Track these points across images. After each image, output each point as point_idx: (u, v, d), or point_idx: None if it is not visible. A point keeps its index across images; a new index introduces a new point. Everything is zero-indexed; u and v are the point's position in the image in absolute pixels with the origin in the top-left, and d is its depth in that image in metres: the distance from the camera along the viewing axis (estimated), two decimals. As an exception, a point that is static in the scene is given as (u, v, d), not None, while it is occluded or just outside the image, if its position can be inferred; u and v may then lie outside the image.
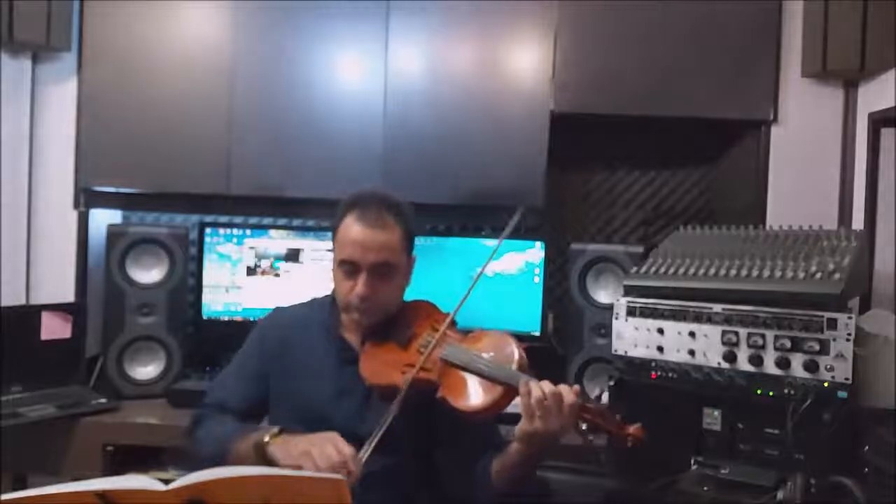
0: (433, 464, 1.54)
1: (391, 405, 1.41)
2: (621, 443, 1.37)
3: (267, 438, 1.40)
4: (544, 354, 2.28)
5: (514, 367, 1.41)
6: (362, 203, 1.55)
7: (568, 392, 1.34)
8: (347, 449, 1.32)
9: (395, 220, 1.54)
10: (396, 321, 1.58)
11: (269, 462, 1.38)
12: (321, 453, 1.31)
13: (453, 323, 1.56)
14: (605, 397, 1.68)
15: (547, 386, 1.33)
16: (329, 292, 1.66)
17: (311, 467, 1.29)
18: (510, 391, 1.37)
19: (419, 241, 2.36)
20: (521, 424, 1.35)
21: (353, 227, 1.52)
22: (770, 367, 1.46)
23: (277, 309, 1.74)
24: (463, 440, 1.49)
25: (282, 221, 2.59)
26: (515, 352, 1.44)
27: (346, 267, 1.52)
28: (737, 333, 1.50)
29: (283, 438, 1.40)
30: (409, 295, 1.66)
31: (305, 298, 1.74)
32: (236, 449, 1.45)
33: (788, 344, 1.44)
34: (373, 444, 1.37)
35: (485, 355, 1.45)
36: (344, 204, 1.58)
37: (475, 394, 1.40)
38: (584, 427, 1.37)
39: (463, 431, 1.47)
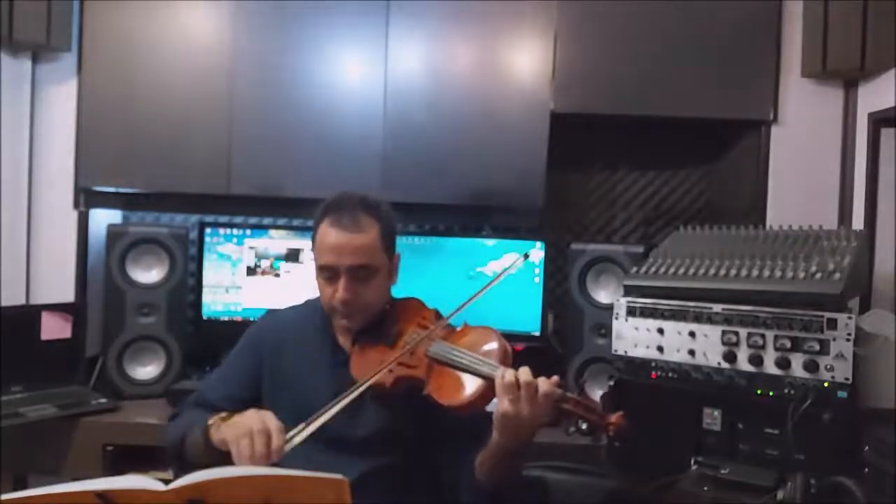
0: (428, 462, 1.54)
1: (349, 390, 1.40)
2: (604, 432, 1.37)
3: (212, 421, 1.40)
4: (544, 354, 2.28)
5: (498, 360, 1.41)
6: (337, 207, 1.54)
7: (544, 382, 1.33)
8: (272, 421, 1.31)
9: (371, 221, 1.52)
10: (385, 321, 1.59)
11: (211, 445, 1.38)
12: (243, 423, 1.30)
13: (441, 319, 1.56)
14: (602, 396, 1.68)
15: (523, 374, 1.32)
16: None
17: (232, 437, 1.28)
18: (492, 384, 1.37)
19: (419, 241, 2.39)
20: (496, 408, 1.34)
21: (328, 233, 1.50)
22: (770, 367, 1.46)
23: (270, 311, 1.74)
24: (458, 439, 1.49)
25: (282, 221, 2.59)
26: (498, 345, 1.45)
27: (326, 273, 1.51)
28: (737, 333, 1.50)
29: (222, 421, 1.39)
30: (407, 294, 1.67)
31: (299, 300, 1.74)
32: (192, 438, 1.45)
33: (788, 344, 1.44)
34: (308, 429, 1.34)
35: (469, 350, 1.45)
36: (319, 209, 1.56)
37: (458, 389, 1.40)
38: (565, 419, 1.37)
39: (457, 429, 1.47)
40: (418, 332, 1.53)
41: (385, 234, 1.55)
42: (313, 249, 1.56)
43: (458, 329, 1.54)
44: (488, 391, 1.38)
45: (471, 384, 1.40)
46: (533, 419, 1.32)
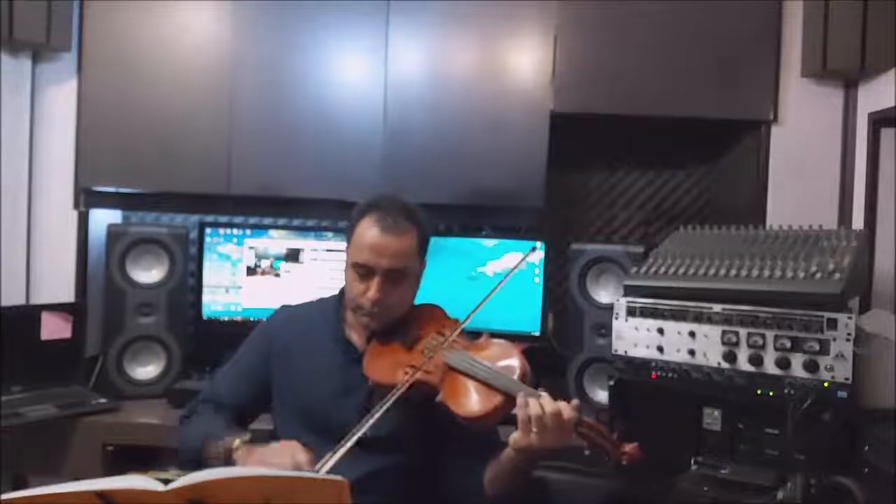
0: (433, 466, 1.54)
1: (382, 403, 1.41)
2: (617, 460, 1.37)
3: (235, 444, 1.43)
4: (544, 354, 2.28)
5: (517, 376, 1.41)
6: (380, 207, 1.55)
7: (567, 409, 1.32)
8: (302, 457, 1.33)
9: (410, 226, 1.55)
10: (404, 323, 1.59)
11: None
12: (275, 464, 1.31)
13: (461, 329, 1.56)
14: (604, 397, 1.68)
15: (547, 403, 1.32)
16: (335, 292, 1.67)
17: None
18: (509, 401, 1.37)
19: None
20: (516, 435, 1.34)
21: (369, 231, 1.52)
22: (770, 367, 1.46)
23: (283, 307, 1.75)
24: (463, 444, 1.49)
25: (282, 221, 2.59)
26: (518, 362, 1.44)
27: (361, 270, 1.53)
28: (737, 333, 1.50)
29: (248, 447, 1.42)
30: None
31: (312, 298, 1.76)
32: (212, 450, 1.47)
33: (788, 344, 1.44)
34: (335, 457, 1.34)
35: (487, 363, 1.45)
36: (361, 206, 1.58)
37: (474, 400, 1.40)
38: (580, 441, 1.38)
39: (463, 435, 1.47)
40: (437, 338, 1.53)
41: (421, 240, 1.58)
42: (349, 244, 1.58)
43: (479, 341, 1.54)
44: (505, 406, 1.38)
45: (486, 397, 1.40)
46: (555, 445, 1.32)
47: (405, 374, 1.44)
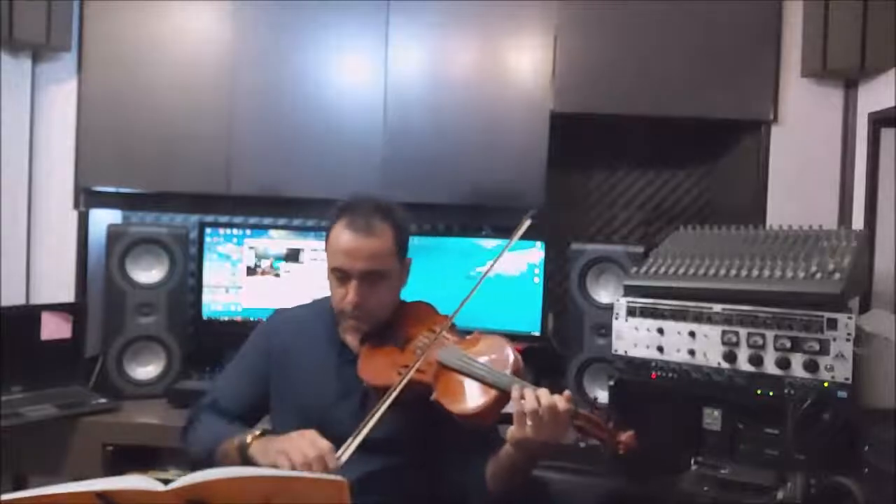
0: (432, 465, 1.54)
1: (379, 403, 1.40)
2: (613, 449, 1.36)
3: (249, 440, 1.42)
4: (544, 354, 2.28)
5: (510, 371, 1.40)
6: (352, 209, 1.54)
7: (562, 401, 1.31)
8: (324, 444, 1.32)
9: (385, 225, 1.53)
10: (395, 323, 1.59)
11: (250, 463, 1.39)
12: (297, 450, 1.30)
13: (452, 325, 1.55)
14: (604, 397, 1.68)
15: (543, 396, 1.31)
16: (328, 293, 1.67)
17: (287, 464, 1.29)
18: (504, 396, 1.36)
19: (419, 241, 2.38)
20: (512, 430, 1.33)
21: (342, 235, 1.51)
22: (770, 367, 1.46)
23: (279, 310, 1.74)
24: (461, 442, 1.49)
25: (282, 221, 2.59)
26: (511, 356, 1.44)
27: (338, 274, 1.53)
28: (737, 333, 1.50)
29: (264, 439, 1.41)
30: (409, 295, 1.67)
31: (306, 299, 1.75)
32: (223, 450, 1.47)
33: (788, 344, 1.44)
34: (355, 442, 1.35)
35: (480, 359, 1.44)
36: (334, 210, 1.57)
37: (469, 398, 1.39)
38: (576, 434, 1.37)
39: (461, 433, 1.47)
40: (428, 335, 1.52)
41: (398, 239, 1.56)
42: (326, 249, 1.57)
43: (470, 336, 1.53)
44: (500, 402, 1.37)
45: (481, 394, 1.39)
46: (553, 439, 1.31)
47: (399, 375, 1.44)
